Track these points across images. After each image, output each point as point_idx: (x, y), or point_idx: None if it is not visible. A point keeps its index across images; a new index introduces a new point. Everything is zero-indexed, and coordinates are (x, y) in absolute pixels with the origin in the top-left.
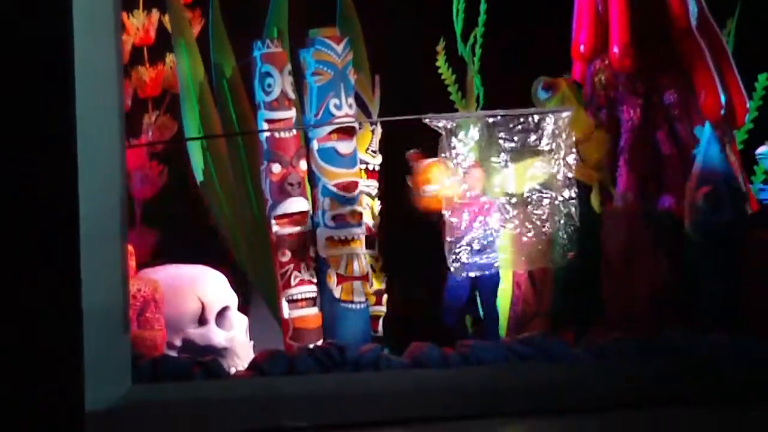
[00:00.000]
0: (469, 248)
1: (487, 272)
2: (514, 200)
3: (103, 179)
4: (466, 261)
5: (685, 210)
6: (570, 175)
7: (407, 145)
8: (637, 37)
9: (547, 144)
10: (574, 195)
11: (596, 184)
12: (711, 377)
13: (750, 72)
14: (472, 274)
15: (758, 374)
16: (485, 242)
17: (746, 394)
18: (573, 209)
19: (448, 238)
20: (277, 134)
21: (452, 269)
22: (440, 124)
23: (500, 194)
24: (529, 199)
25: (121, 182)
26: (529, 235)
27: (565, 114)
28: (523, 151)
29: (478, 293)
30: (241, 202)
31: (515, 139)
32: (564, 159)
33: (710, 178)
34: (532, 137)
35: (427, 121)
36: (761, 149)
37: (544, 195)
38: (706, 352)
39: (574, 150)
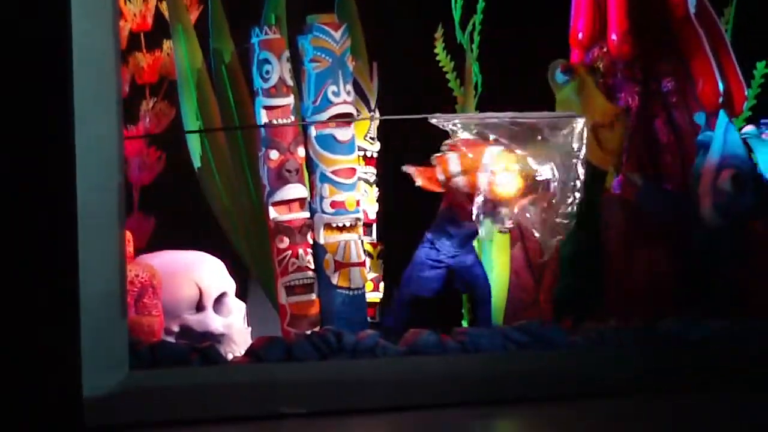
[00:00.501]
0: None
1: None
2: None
3: (101, 165)
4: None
5: (705, 194)
6: (574, 161)
7: (406, 133)
8: (635, 25)
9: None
10: (578, 183)
11: (612, 168)
12: (712, 365)
13: (748, 60)
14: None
15: (760, 362)
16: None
17: (749, 382)
18: (577, 195)
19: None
20: (275, 120)
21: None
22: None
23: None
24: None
25: (119, 168)
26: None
27: (573, 118)
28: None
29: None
30: (239, 188)
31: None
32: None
33: (734, 162)
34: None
35: (434, 121)
36: (747, 128)
37: (551, 181)
38: (710, 338)
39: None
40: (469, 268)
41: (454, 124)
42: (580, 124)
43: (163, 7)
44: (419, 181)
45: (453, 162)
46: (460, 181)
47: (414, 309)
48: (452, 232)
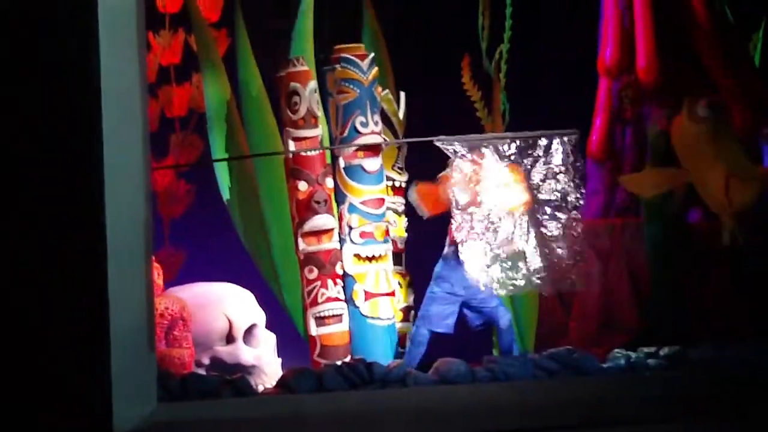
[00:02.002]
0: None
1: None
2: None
3: (130, 199)
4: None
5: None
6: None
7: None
8: (663, 52)
9: (558, 166)
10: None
11: (724, 219)
12: (746, 390)
13: None
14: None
15: None
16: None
17: None
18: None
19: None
20: (303, 152)
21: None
22: (450, 147)
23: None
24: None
25: (147, 202)
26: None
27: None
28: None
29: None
30: (268, 220)
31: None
32: (573, 181)
33: None
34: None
35: (439, 144)
36: None
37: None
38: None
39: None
40: (483, 299)
41: (460, 146)
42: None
43: (192, 40)
44: (424, 209)
45: (456, 178)
46: (462, 197)
47: (432, 346)
48: (461, 263)
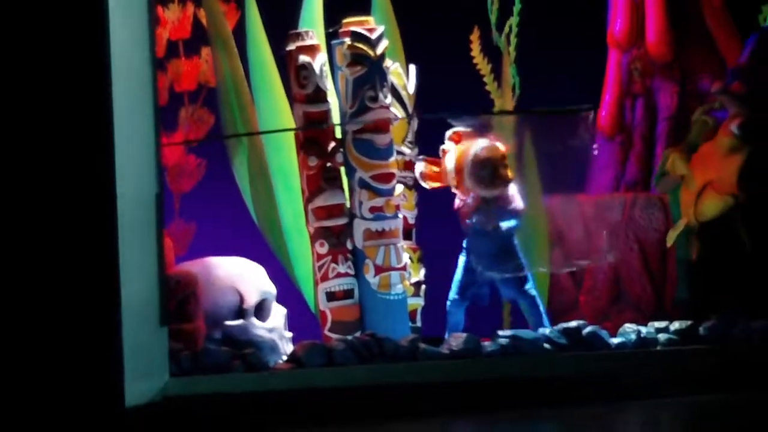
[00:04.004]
0: None
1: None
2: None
3: (140, 174)
4: None
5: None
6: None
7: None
8: (673, 24)
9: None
10: None
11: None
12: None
13: None
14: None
15: None
16: None
17: None
18: None
19: None
20: (312, 127)
21: None
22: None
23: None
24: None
25: (157, 176)
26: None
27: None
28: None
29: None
30: (278, 194)
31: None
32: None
33: None
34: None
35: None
36: None
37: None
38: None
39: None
40: (511, 271)
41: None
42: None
43: (201, 14)
44: (426, 182)
45: (450, 154)
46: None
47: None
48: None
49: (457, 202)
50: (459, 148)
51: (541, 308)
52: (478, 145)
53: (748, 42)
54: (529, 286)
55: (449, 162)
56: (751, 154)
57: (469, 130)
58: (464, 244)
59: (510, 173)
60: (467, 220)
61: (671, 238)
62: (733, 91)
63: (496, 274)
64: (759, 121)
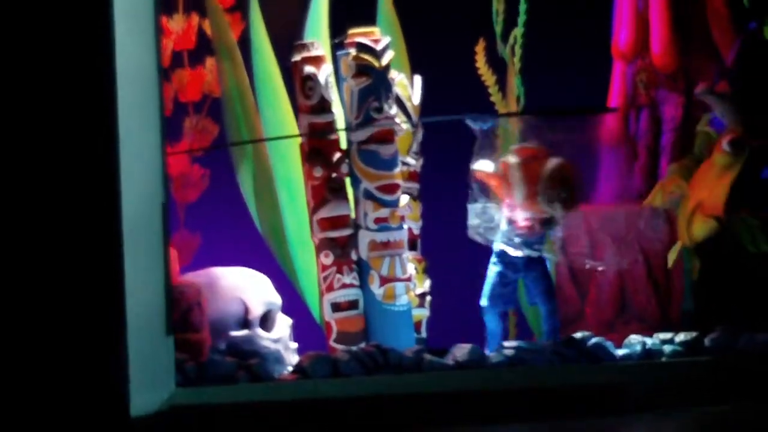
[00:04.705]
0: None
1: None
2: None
3: (145, 184)
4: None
5: None
6: None
7: (448, 147)
8: (678, 35)
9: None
10: None
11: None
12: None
13: None
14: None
15: None
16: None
17: None
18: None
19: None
20: (317, 138)
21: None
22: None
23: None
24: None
25: (163, 186)
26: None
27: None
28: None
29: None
30: (283, 205)
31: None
32: None
33: None
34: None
35: (470, 123)
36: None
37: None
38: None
39: None
40: (535, 279)
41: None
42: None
43: (206, 24)
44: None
45: (514, 169)
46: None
47: (448, 331)
48: (517, 242)
49: (520, 217)
50: (527, 164)
51: (557, 317)
52: (557, 162)
53: (737, 43)
54: (552, 294)
55: (515, 175)
56: (742, 174)
57: (534, 147)
58: (495, 253)
59: (581, 194)
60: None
61: (671, 259)
62: (717, 92)
63: (524, 279)
64: (752, 138)
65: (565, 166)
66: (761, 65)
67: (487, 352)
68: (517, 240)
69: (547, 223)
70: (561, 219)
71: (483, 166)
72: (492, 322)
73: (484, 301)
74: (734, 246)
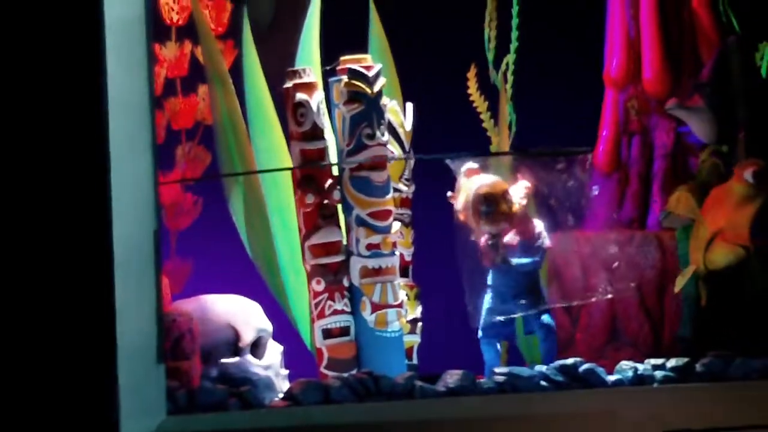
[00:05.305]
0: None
1: None
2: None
3: (137, 212)
4: None
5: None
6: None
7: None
8: (669, 62)
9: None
10: None
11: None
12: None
13: None
14: None
15: None
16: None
17: None
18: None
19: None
20: (309, 165)
21: None
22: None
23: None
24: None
25: (155, 214)
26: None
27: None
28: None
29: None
30: (275, 232)
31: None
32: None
33: None
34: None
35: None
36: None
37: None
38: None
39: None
40: (532, 304)
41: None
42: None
43: (198, 52)
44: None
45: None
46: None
47: (438, 358)
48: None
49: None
50: (466, 185)
51: (555, 339)
52: (480, 180)
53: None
54: (547, 318)
55: (460, 198)
56: (765, 204)
57: (477, 166)
58: (488, 281)
59: (512, 208)
60: (487, 258)
61: (679, 283)
62: (688, 106)
63: (516, 310)
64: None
65: (489, 182)
66: (735, 79)
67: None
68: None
69: (492, 239)
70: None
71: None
72: (489, 353)
73: (480, 332)
74: (745, 274)
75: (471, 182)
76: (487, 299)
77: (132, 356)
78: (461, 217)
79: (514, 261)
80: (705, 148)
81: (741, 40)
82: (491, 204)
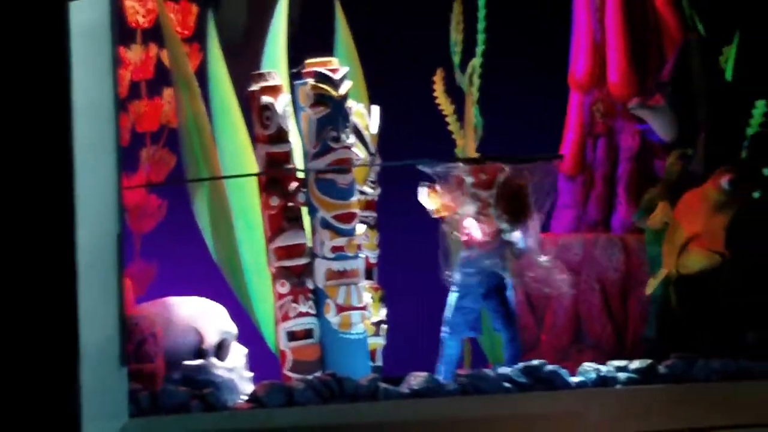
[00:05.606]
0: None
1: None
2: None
3: (101, 214)
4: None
5: None
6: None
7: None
8: (635, 65)
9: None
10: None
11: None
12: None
13: (748, 99)
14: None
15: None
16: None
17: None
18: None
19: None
20: (275, 167)
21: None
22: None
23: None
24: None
25: (118, 217)
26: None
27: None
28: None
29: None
30: (239, 234)
31: None
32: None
33: None
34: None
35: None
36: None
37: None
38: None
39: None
40: (496, 307)
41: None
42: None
43: (164, 55)
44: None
45: (467, 185)
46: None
47: (401, 360)
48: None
49: (474, 233)
50: (480, 179)
51: (518, 345)
52: (507, 177)
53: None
54: (513, 321)
55: (466, 192)
56: (740, 212)
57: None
58: (457, 279)
59: (531, 208)
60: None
61: (651, 286)
62: (650, 105)
63: (485, 307)
64: (750, 178)
65: (514, 180)
66: (695, 78)
67: (440, 377)
68: (473, 260)
69: (501, 237)
70: (512, 234)
71: (424, 198)
72: (452, 348)
73: (445, 327)
74: (717, 280)
75: (502, 177)
76: (456, 296)
77: (95, 359)
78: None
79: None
80: (671, 151)
81: (701, 39)
82: (521, 200)
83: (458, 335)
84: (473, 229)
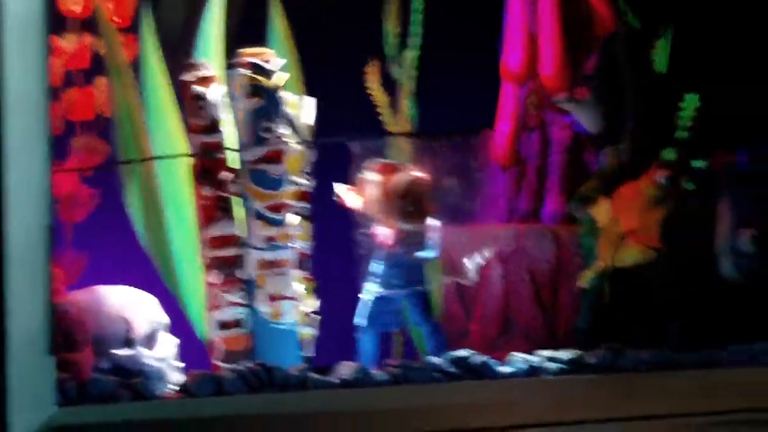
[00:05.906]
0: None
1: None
2: None
3: (31, 203)
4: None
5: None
6: None
7: (339, 167)
8: (568, 58)
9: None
10: None
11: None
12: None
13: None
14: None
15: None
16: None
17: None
18: None
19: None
20: (207, 157)
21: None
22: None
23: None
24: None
25: (48, 206)
26: None
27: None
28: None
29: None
30: (171, 225)
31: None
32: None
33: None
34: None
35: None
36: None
37: None
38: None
39: None
40: (415, 301)
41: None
42: None
43: (99, 44)
44: (351, 202)
45: (370, 185)
46: (376, 206)
47: (333, 349)
48: (395, 261)
49: (380, 233)
50: (384, 180)
51: (441, 336)
52: (404, 177)
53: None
54: (431, 314)
55: (372, 192)
56: (676, 207)
57: (393, 163)
58: (372, 272)
59: (433, 206)
60: (391, 251)
61: (585, 278)
62: (576, 98)
63: (406, 300)
64: (686, 173)
65: (413, 179)
66: (621, 72)
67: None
68: (392, 255)
69: (408, 238)
70: (419, 234)
71: (341, 191)
72: (367, 343)
73: (361, 321)
74: (650, 273)
75: (392, 178)
76: (373, 288)
77: (22, 349)
78: (374, 210)
79: (422, 255)
80: (599, 143)
81: (628, 32)
82: (416, 201)
83: (373, 329)
84: (382, 233)
